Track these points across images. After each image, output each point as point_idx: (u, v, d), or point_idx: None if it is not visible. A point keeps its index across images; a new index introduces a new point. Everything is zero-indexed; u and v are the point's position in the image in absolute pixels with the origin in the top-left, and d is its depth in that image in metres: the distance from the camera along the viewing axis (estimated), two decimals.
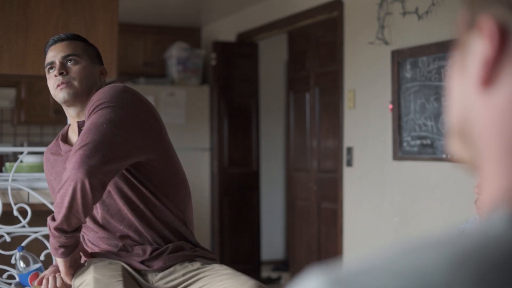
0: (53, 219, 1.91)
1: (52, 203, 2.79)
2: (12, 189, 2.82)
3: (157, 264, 2.07)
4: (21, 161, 3.10)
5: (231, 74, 5.87)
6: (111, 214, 2.09)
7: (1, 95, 6.12)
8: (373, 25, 4.06)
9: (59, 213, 1.87)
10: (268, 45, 6.24)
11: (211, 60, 5.99)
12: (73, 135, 2.20)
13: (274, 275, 6.06)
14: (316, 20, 4.85)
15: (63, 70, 2.12)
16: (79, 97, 2.12)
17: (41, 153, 3.43)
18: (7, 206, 2.78)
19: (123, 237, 2.10)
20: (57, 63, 2.13)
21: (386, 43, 3.98)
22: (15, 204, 2.78)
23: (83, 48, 2.19)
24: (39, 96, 6.14)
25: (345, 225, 4.39)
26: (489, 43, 0.54)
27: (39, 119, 6.22)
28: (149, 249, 2.07)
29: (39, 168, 3.07)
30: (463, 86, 0.58)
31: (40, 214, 2.84)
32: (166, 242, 2.11)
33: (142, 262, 2.07)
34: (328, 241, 4.80)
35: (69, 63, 2.14)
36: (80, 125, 2.09)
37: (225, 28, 6.13)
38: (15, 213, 2.76)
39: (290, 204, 5.51)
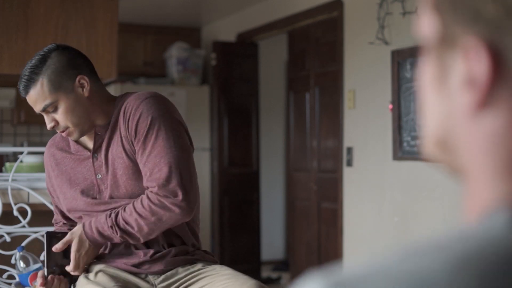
0: (126, 221, 1.97)
1: (50, 203, 2.79)
2: (12, 189, 2.82)
3: (157, 266, 2.06)
4: (21, 161, 3.10)
5: (231, 74, 5.87)
6: None
7: (1, 95, 6.12)
8: (373, 25, 4.06)
9: (143, 228, 1.97)
10: (268, 45, 6.24)
11: (211, 60, 5.99)
12: (85, 137, 2.14)
13: (274, 275, 6.06)
14: (316, 20, 4.84)
15: (52, 122, 2.06)
16: (86, 129, 2.07)
17: (41, 153, 3.44)
18: (7, 206, 2.77)
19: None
20: (42, 114, 2.08)
21: (386, 43, 3.97)
22: (15, 204, 2.78)
23: (49, 83, 2.01)
24: None
25: (345, 225, 4.39)
26: (478, 67, 0.53)
27: (39, 119, 6.15)
28: (151, 252, 2.07)
29: (39, 168, 3.07)
30: (443, 104, 0.57)
31: (40, 214, 2.84)
32: (170, 245, 2.10)
33: (141, 264, 2.07)
34: (328, 241, 4.80)
35: (50, 112, 2.05)
36: (98, 131, 2.08)
37: (225, 28, 6.13)
38: (15, 213, 2.76)
39: (290, 204, 5.51)
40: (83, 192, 2.08)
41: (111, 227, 1.98)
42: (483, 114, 0.54)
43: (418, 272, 0.48)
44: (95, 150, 2.08)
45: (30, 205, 2.79)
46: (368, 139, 4.17)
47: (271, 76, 6.60)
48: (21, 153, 3.05)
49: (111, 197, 2.05)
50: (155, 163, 1.95)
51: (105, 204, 2.06)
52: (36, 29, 3.12)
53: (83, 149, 2.12)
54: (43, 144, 6.13)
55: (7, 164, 3.13)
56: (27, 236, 2.76)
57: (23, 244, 2.61)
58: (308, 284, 0.51)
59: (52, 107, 2.03)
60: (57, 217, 2.27)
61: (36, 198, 2.82)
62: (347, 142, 4.38)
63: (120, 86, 5.89)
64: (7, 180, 2.84)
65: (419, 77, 0.60)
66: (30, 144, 6.08)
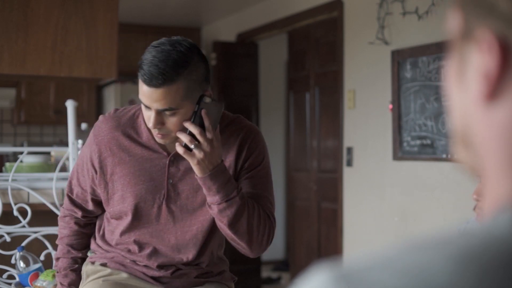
0: None
1: (51, 203, 2.79)
2: (12, 189, 2.82)
3: (175, 283, 2.02)
4: (21, 161, 3.10)
5: (231, 74, 5.87)
6: (185, 235, 2.01)
7: (1, 95, 6.12)
8: (373, 25, 4.06)
9: (250, 225, 1.98)
10: (268, 45, 6.24)
11: (211, 60, 5.99)
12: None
13: (274, 275, 6.06)
14: (316, 20, 4.85)
15: (160, 125, 1.82)
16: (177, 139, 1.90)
17: (41, 153, 3.44)
18: (7, 206, 2.77)
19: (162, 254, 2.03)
20: (153, 113, 1.82)
21: (386, 43, 3.97)
22: (15, 204, 2.78)
23: (185, 90, 1.80)
24: (39, 96, 6.14)
25: (345, 225, 4.39)
26: (490, 59, 0.55)
27: (39, 119, 6.22)
28: (171, 269, 2.01)
29: (39, 168, 3.07)
30: (462, 96, 0.58)
31: (40, 214, 2.84)
32: (198, 263, 2.05)
33: (160, 278, 2.02)
34: (328, 241, 4.80)
35: (166, 114, 1.82)
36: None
37: (225, 28, 6.13)
38: (15, 213, 2.76)
39: (290, 204, 5.51)
40: (148, 191, 1.94)
41: (237, 193, 1.86)
42: (493, 106, 0.55)
43: (421, 264, 0.49)
44: (176, 155, 1.93)
45: (30, 205, 2.79)
46: (368, 139, 4.17)
47: (271, 76, 6.60)
48: (21, 153, 3.05)
49: (181, 206, 1.96)
50: (265, 196, 2.02)
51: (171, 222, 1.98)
52: (36, 29, 3.12)
53: (157, 145, 1.96)
54: (43, 144, 6.17)
55: (7, 164, 3.13)
56: (27, 236, 2.76)
57: (23, 244, 2.61)
58: (314, 276, 0.51)
59: (172, 112, 1.81)
60: (74, 204, 2.07)
61: (36, 198, 2.82)
62: (347, 142, 4.38)
63: (120, 86, 5.89)
64: (7, 180, 2.84)
65: (446, 73, 0.61)
66: (30, 144, 6.08)
